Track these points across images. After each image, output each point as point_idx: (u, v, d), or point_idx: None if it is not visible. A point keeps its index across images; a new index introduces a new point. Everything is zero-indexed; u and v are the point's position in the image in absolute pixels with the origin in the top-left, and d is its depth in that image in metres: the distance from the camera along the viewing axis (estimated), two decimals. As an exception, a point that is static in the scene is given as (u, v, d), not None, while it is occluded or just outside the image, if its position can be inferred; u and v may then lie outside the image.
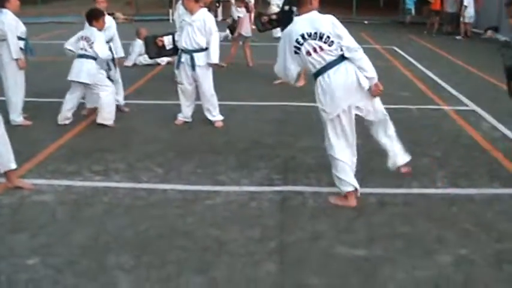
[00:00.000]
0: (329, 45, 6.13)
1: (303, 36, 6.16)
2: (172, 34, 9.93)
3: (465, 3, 22.75)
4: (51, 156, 8.03)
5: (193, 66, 9.18)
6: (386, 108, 10.68)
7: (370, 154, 8.04)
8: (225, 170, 7.46)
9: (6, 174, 6.79)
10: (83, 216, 6.11)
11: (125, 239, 5.58)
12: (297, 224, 5.92)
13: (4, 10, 9.32)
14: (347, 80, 6.22)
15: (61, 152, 8.22)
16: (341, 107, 6.26)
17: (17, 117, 9.55)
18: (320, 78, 6.23)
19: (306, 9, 6.30)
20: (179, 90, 9.56)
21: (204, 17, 9.14)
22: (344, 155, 6.47)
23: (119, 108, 10.19)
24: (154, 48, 10.13)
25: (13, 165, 6.77)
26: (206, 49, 9.18)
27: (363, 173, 7.26)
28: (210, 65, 9.27)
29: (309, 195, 6.64)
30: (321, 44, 6.14)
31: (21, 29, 9.51)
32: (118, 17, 27.43)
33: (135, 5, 35.26)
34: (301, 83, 11.42)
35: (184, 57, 9.25)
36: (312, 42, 6.14)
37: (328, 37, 6.11)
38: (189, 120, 9.66)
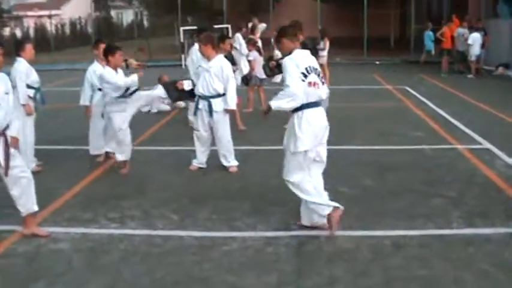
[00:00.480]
0: (322, 85, 6.58)
1: (310, 67, 6.52)
2: (191, 79, 10.10)
3: (469, 42, 22.74)
4: (66, 204, 8.08)
5: (210, 112, 9.27)
6: (399, 149, 10.80)
7: (382, 196, 8.08)
8: (241, 215, 7.46)
9: (26, 218, 6.84)
10: (99, 264, 6.12)
11: (142, 287, 5.59)
12: (314, 268, 5.90)
13: (19, 59, 9.58)
14: (323, 122, 6.68)
15: (77, 200, 8.26)
16: (315, 144, 6.62)
17: (32, 164, 9.65)
18: (307, 110, 6.52)
19: (299, 43, 6.81)
20: (195, 137, 9.62)
21: (221, 64, 9.29)
22: (309, 183, 6.76)
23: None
24: (174, 93, 10.25)
25: (35, 207, 6.88)
26: (223, 95, 9.27)
27: (375, 216, 7.29)
28: (227, 111, 9.36)
29: (324, 240, 6.62)
30: (318, 81, 6.54)
31: (33, 78, 9.70)
32: (131, 63, 27.73)
33: (148, 51, 35.62)
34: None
35: (202, 104, 9.35)
36: (314, 76, 6.51)
37: (321, 77, 6.58)
38: (204, 166, 9.71)
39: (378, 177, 9.02)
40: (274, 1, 36.44)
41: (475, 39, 22.74)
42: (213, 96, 9.27)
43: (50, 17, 41.95)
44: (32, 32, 50.30)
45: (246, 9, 38.08)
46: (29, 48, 9.80)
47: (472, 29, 23.47)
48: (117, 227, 7.17)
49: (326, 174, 9.02)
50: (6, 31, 43.86)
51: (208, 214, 7.53)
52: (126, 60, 10.29)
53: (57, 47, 39.62)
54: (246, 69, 15.59)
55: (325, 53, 18.45)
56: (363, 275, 5.75)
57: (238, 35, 19.62)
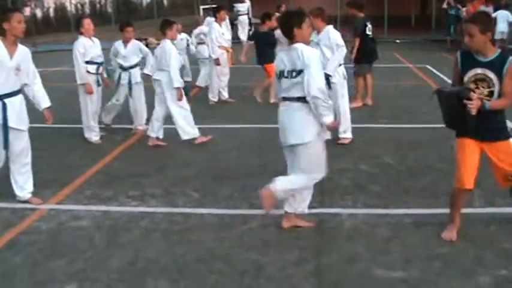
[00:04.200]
0: None
1: None
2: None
3: (493, 15, 22.31)
4: (87, 182, 8.13)
5: (329, 84, 8.72)
6: (420, 128, 10.71)
7: (402, 174, 8.04)
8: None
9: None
10: (120, 242, 6.16)
11: (162, 264, 5.61)
12: (334, 246, 5.90)
13: (79, 37, 9.95)
14: None
15: (97, 178, 8.31)
16: None
17: (93, 136, 10.24)
18: None
19: None
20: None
21: (328, 35, 9.38)
22: None
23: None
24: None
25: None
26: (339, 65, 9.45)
27: (396, 194, 7.27)
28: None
29: (345, 217, 6.61)
30: None
31: (93, 53, 9.99)
32: (152, 42, 27.78)
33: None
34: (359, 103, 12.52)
35: None
36: None
37: None
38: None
39: (399, 156, 8.98)
40: (294, -20, 36.19)
41: (499, 16, 22.33)
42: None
43: (69, -4, 41.99)
44: (52, 12, 50.46)
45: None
46: (86, 23, 10.07)
47: (500, 7, 22.99)
48: (137, 205, 7.20)
49: (347, 151, 9.05)
50: (27, 11, 43.94)
51: (229, 192, 7.54)
52: (146, 39, 10.41)
53: (77, 27, 39.65)
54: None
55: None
56: (383, 252, 5.74)
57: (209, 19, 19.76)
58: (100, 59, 10.14)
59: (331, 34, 9.38)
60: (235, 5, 27.06)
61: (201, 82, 15.06)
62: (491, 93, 5.61)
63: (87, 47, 9.91)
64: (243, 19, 25.45)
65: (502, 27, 22.28)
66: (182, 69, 13.27)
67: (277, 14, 18.59)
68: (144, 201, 7.32)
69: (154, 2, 44.28)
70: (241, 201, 7.24)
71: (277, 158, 8.91)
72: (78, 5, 52.76)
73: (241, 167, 8.62)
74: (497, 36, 22.33)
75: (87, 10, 55.00)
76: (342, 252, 5.75)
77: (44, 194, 7.53)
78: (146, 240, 6.17)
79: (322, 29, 9.42)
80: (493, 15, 22.30)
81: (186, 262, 5.65)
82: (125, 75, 10.59)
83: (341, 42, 9.44)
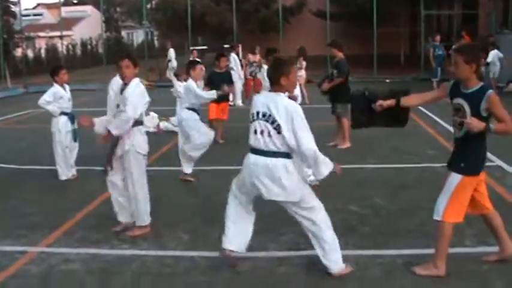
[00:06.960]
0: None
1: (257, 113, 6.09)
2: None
3: (488, 60, 22.42)
4: (78, 224, 8.08)
5: None
6: (411, 168, 10.73)
7: (393, 214, 8.04)
8: (252, 235, 7.42)
9: None
10: (111, 285, 6.14)
11: (154, 308, 5.59)
12: (325, 288, 5.89)
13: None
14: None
15: (88, 220, 8.27)
16: None
17: None
18: None
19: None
20: None
21: None
22: None
23: None
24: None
25: None
26: None
27: (387, 235, 7.26)
28: None
29: (336, 259, 6.59)
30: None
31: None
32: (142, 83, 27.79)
33: (158, 71, 35.78)
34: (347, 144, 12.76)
35: None
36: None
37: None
38: None
39: (390, 196, 9.00)
40: (284, 20, 36.51)
41: (494, 56, 22.47)
42: None
43: (61, 37, 42.10)
44: (43, 53, 50.63)
45: (255, 29, 38.26)
46: (199, 68, 10.61)
47: (493, 46, 23.22)
48: (128, 248, 7.17)
49: (337, 192, 9.05)
50: (18, 52, 44.07)
51: (220, 234, 7.50)
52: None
53: (68, 68, 39.76)
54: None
55: (301, 73, 19.58)
56: (374, 294, 5.74)
57: (233, 55, 20.32)
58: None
59: None
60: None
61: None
62: (462, 124, 5.79)
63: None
64: None
65: (495, 68, 22.50)
66: None
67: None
68: (135, 243, 7.29)
69: (145, 43, 44.54)
70: (232, 243, 7.20)
71: (267, 200, 8.91)
72: (70, 46, 53.00)
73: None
74: (496, 76, 22.46)
75: (78, 51, 55.28)
76: (334, 295, 5.74)
77: (34, 236, 7.50)
78: (137, 283, 6.14)
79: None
80: (489, 57, 22.43)
81: (177, 306, 5.63)
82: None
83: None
